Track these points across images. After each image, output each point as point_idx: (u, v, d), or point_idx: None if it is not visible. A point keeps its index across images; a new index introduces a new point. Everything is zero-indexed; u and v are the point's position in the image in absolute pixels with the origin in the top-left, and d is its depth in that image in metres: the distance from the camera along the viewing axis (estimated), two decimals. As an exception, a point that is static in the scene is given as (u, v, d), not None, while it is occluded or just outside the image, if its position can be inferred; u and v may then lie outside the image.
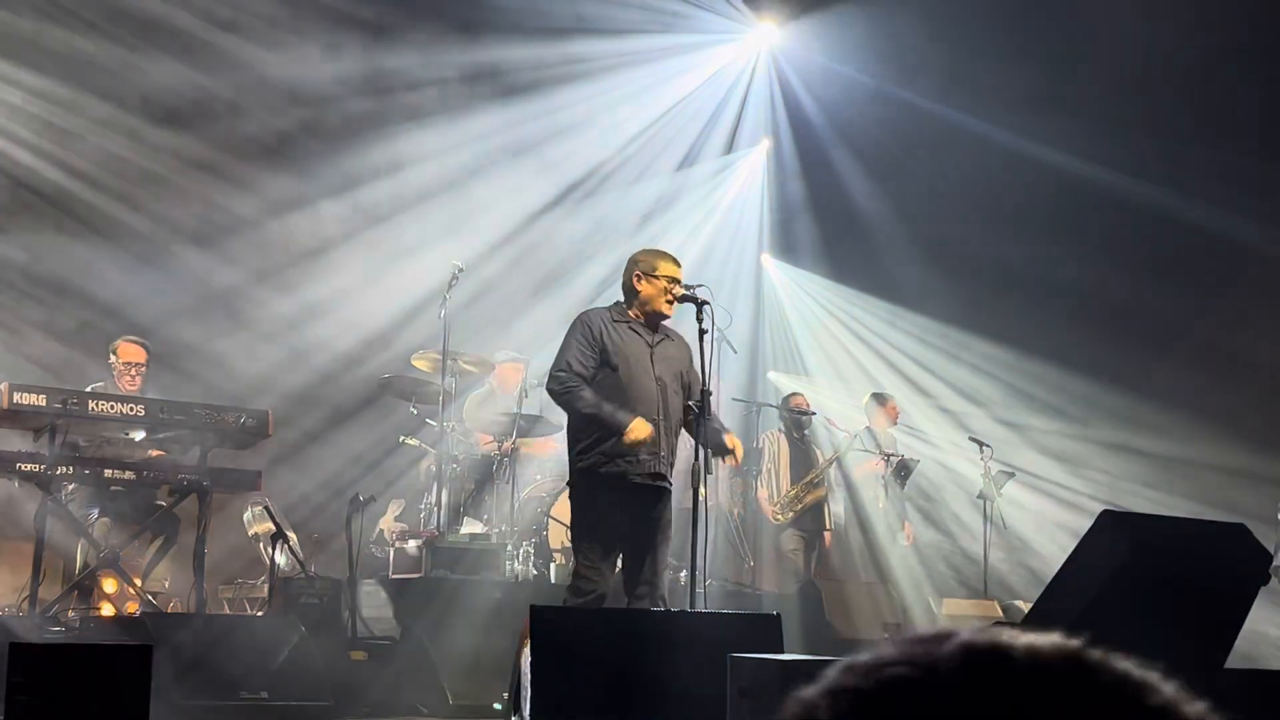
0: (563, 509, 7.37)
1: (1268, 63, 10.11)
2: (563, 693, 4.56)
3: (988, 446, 9.43)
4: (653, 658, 4.70)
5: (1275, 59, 10.06)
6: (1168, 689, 0.72)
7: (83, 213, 9.34)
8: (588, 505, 5.63)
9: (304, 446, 9.57)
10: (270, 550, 7.14)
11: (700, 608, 5.62)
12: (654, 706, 4.58)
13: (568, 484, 5.89)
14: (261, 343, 9.62)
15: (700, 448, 5.52)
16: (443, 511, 7.90)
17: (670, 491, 5.78)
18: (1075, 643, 0.73)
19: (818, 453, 9.50)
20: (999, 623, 7.51)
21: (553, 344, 5.97)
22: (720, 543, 8.81)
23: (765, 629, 4.94)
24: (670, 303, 5.76)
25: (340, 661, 6.49)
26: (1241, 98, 10.52)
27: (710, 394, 5.60)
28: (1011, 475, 9.62)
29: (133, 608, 6.73)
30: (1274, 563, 5.75)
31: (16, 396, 6.21)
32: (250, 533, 8.36)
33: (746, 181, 12.14)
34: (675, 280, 5.74)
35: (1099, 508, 6.42)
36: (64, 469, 6.46)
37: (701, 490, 5.47)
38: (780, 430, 9.52)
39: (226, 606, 8.31)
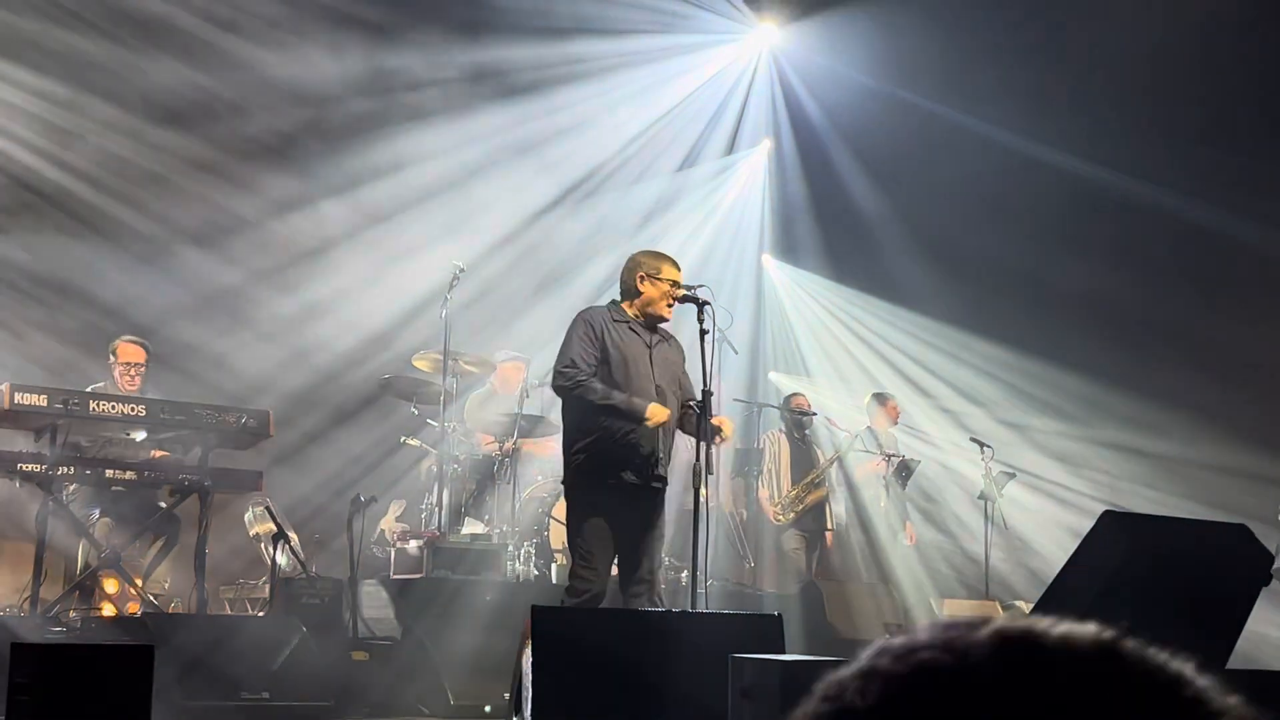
0: (564, 509, 7.37)
1: (1269, 62, 10.11)
2: (564, 693, 4.56)
3: (989, 447, 9.43)
4: (654, 658, 4.69)
5: (1276, 59, 10.06)
6: (1201, 682, 0.71)
7: (84, 213, 9.35)
8: (584, 505, 5.63)
9: (305, 447, 9.57)
10: (271, 550, 7.14)
11: (701, 608, 5.62)
12: (655, 707, 4.58)
13: (563, 484, 5.89)
14: (262, 343, 9.63)
15: (701, 448, 5.52)
16: (444, 512, 7.90)
17: (664, 492, 5.79)
18: (1110, 633, 0.73)
19: (819, 453, 9.50)
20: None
21: (553, 344, 5.97)
22: (721, 543, 8.81)
23: (766, 629, 4.94)
24: (670, 306, 5.78)
25: (341, 662, 6.49)
26: (1242, 98, 10.52)
27: (711, 394, 5.60)
28: (1013, 476, 9.62)
29: (134, 608, 6.73)
30: (1275, 563, 5.74)
31: (18, 397, 6.22)
32: (251, 533, 8.37)
33: (747, 182, 12.15)
34: (676, 284, 5.75)
35: (1100, 508, 6.41)
36: (65, 469, 6.47)
37: (703, 490, 5.46)
38: (781, 430, 9.52)
39: (228, 607, 8.31)
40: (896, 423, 10.06)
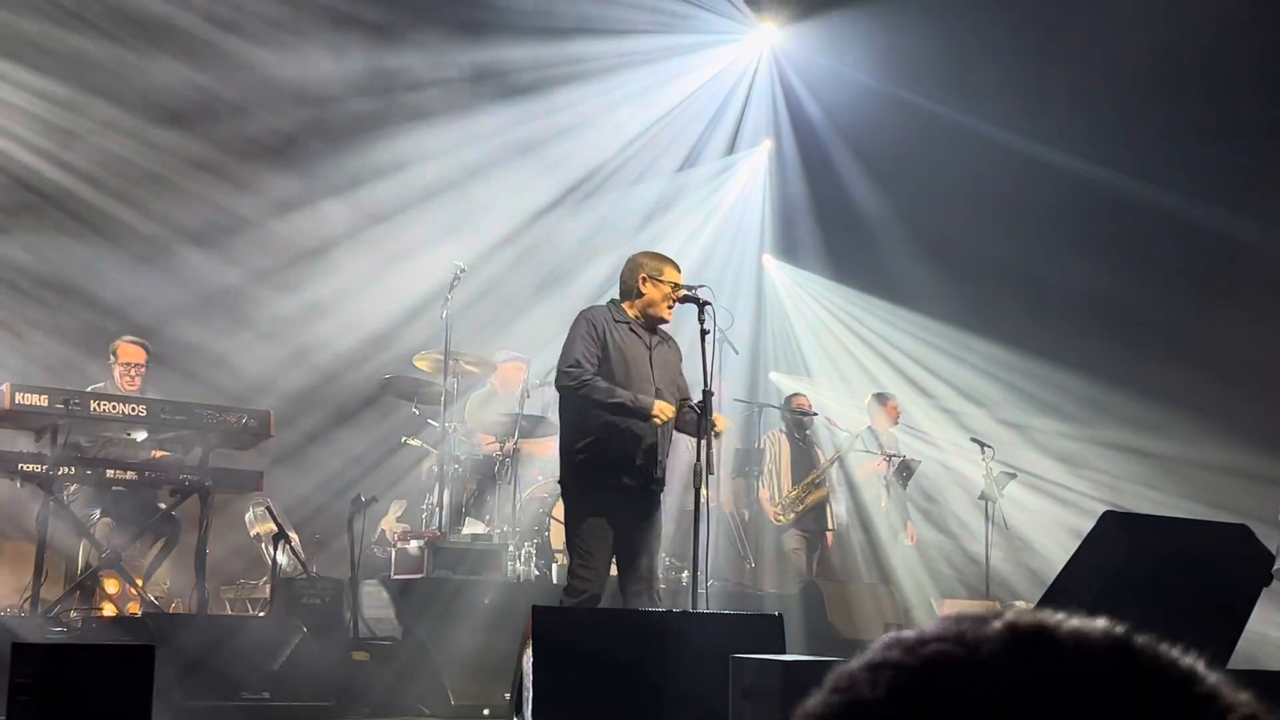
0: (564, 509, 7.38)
1: (1270, 62, 10.11)
2: (564, 694, 4.56)
3: (989, 447, 9.43)
4: (654, 659, 4.69)
5: (1278, 59, 10.06)
6: (1213, 677, 0.71)
7: (85, 213, 9.35)
8: (582, 504, 5.64)
9: (306, 447, 9.57)
10: (272, 551, 7.14)
11: (702, 608, 5.62)
12: (655, 707, 4.59)
13: (559, 482, 5.90)
14: (263, 343, 9.63)
15: (702, 448, 5.53)
16: (444, 512, 7.90)
17: (661, 492, 5.80)
18: (1122, 628, 0.73)
19: (819, 453, 9.50)
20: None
21: (554, 344, 5.97)
22: (722, 543, 8.81)
23: (767, 630, 4.94)
24: (671, 307, 5.81)
25: (342, 662, 6.49)
26: (1242, 98, 10.51)
27: (712, 394, 5.60)
28: (1013, 476, 9.62)
29: (134, 608, 6.73)
30: (1276, 564, 5.74)
31: (19, 397, 6.22)
32: (252, 533, 8.37)
33: (748, 182, 12.15)
34: (677, 286, 5.78)
35: (1101, 508, 6.41)
36: (66, 469, 6.47)
37: (703, 490, 5.47)
38: (782, 431, 9.52)
39: (228, 607, 8.31)
40: (897, 423, 10.06)
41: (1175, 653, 0.72)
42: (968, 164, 10.94)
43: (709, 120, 11.66)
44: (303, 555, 7.72)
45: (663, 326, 5.90)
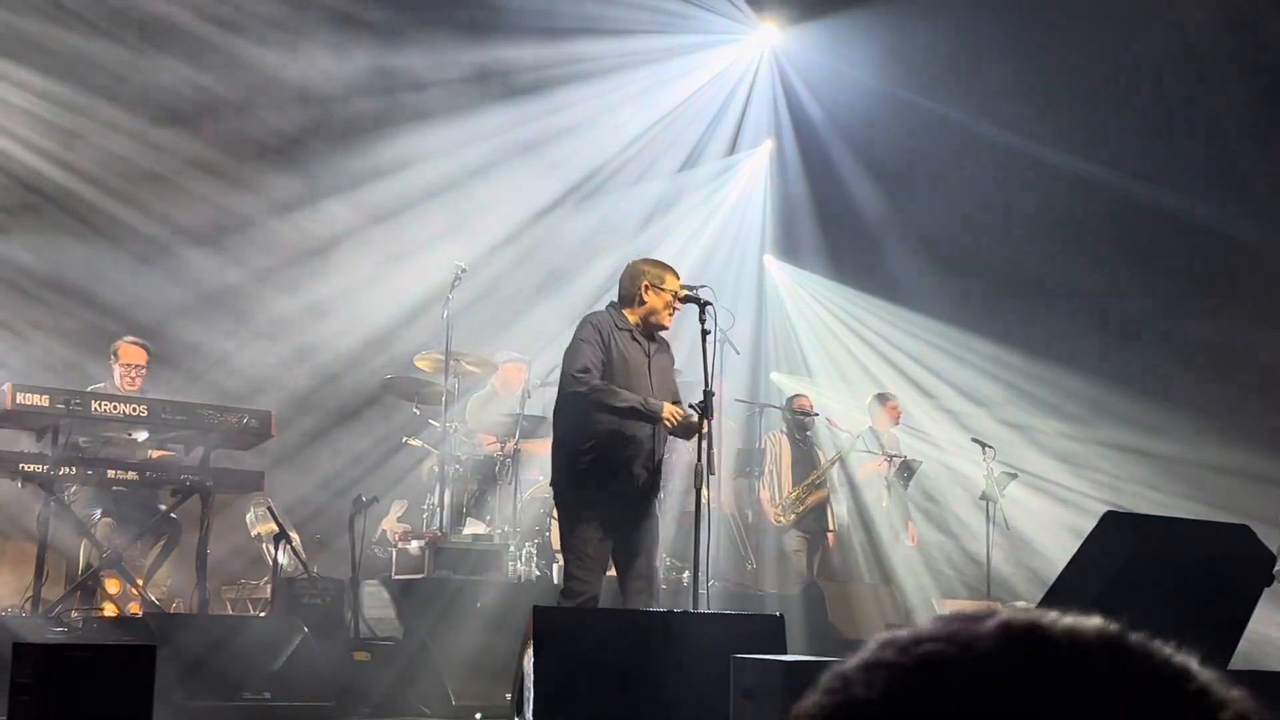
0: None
1: (1271, 62, 10.10)
2: (565, 694, 4.56)
3: (990, 447, 9.43)
4: (655, 659, 4.70)
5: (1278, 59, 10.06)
6: (1206, 675, 0.71)
7: (86, 213, 9.35)
8: (579, 509, 5.65)
9: (306, 447, 9.58)
10: (273, 551, 7.14)
11: (703, 609, 5.62)
12: (656, 708, 4.58)
13: (552, 485, 5.93)
14: (264, 343, 9.63)
15: (702, 448, 5.53)
16: (445, 512, 7.90)
17: (658, 494, 5.83)
18: (1115, 626, 0.73)
19: (820, 454, 9.49)
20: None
21: (554, 345, 5.99)
22: (723, 544, 8.81)
23: (768, 630, 4.94)
24: (671, 315, 5.86)
25: (343, 662, 6.49)
26: (1245, 99, 10.50)
27: (713, 394, 5.62)
28: (1014, 476, 9.62)
29: (135, 608, 6.73)
30: (1277, 564, 5.74)
31: (20, 397, 6.22)
32: (253, 533, 8.37)
33: (749, 182, 12.14)
34: (676, 294, 5.81)
35: (1102, 509, 6.41)
36: (67, 469, 6.47)
37: (704, 491, 5.47)
38: (783, 431, 9.51)
39: (229, 607, 8.31)
40: (898, 423, 10.05)
41: (1168, 650, 0.72)
42: (968, 164, 10.94)
43: (710, 120, 11.66)
44: (304, 555, 7.72)
45: (661, 333, 5.94)
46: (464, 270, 8.14)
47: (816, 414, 9.46)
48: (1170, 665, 0.71)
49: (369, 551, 7.89)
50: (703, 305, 5.72)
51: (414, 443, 8.51)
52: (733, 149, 11.92)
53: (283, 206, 9.94)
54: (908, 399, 10.88)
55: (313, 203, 10.04)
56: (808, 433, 9.48)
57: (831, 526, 9.38)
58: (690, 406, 5.70)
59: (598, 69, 10.57)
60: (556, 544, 8.01)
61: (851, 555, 9.46)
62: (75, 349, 8.86)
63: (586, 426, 5.65)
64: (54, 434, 6.38)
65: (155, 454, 7.08)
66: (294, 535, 7.68)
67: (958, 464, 10.50)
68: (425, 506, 8.31)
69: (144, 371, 7.52)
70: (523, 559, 7.84)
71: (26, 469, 6.35)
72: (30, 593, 6.46)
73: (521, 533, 7.98)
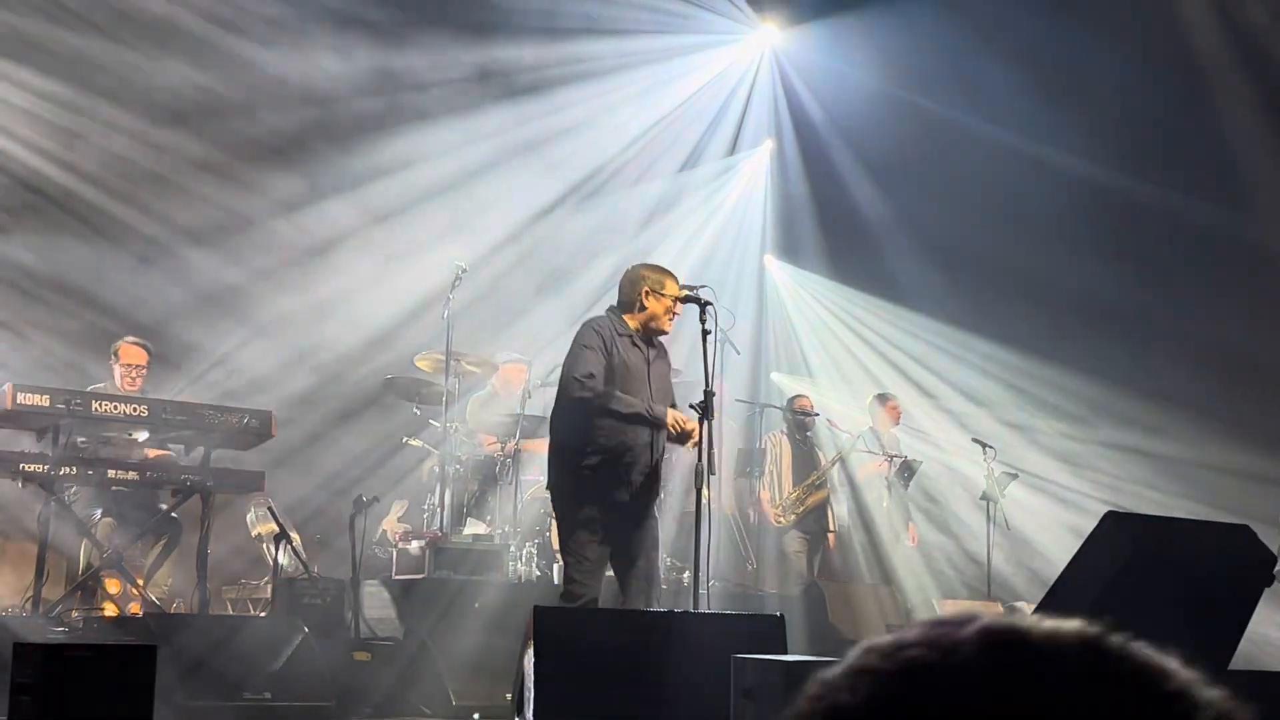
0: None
1: (1272, 62, 10.10)
2: (565, 694, 4.56)
3: (991, 447, 9.43)
4: (656, 659, 4.70)
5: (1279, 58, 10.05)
6: (1185, 674, 0.72)
7: (87, 214, 9.35)
8: (578, 511, 5.66)
9: (307, 447, 9.57)
10: (273, 551, 7.15)
11: (704, 609, 5.63)
12: (657, 708, 4.59)
13: (548, 488, 5.94)
14: (265, 343, 9.63)
15: (703, 449, 5.54)
16: (446, 512, 7.90)
17: (656, 496, 5.84)
18: (1094, 629, 0.73)
19: (820, 454, 9.49)
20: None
21: (555, 345, 6.00)
22: (724, 544, 8.81)
23: (769, 630, 4.95)
24: (671, 320, 5.87)
25: (343, 662, 6.49)
26: (1245, 99, 10.50)
27: (714, 394, 5.63)
28: (1015, 476, 9.62)
29: (136, 608, 6.73)
30: (1278, 565, 5.74)
31: (20, 397, 6.22)
32: (253, 533, 8.37)
33: (749, 182, 12.15)
34: (676, 299, 5.82)
35: (1102, 509, 6.41)
36: (67, 469, 6.47)
37: (705, 491, 5.48)
38: (783, 432, 9.51)
39: (230, 607, 8.32)
40: (898, 423, 10.06)
41: (1149, 652, 0.73)
42: (969, 164, 10.93)
43: (710, 120, 11.67)
44: (304, 555, 7.73)
45: (659, 337, 5.95)
46: (464, 270, 8.14)
47: (817, 414, 9.46)
48: (1149, 667, 0.72)
49: (369, 551, 7.89)
50: (703, 305, 5.73)
51: (414, 443, 8.52)
52: (733, 149, 11.92)
53: (284, 206, 9.94)
54: (908, 399, 10.88)
55: (314, 203, 10.04)
56: (808, 433, 9.48)
57: (832, 527, 9.38)
58: (690, 406, 5.70)
59: (598, 69, 10.57)
60: (557, 544, 8.03)
61: (852, 555, 9.46)
62: (76, 349, 8.86)
63: (588, 432, 5.66)
64: (54, 434, 6.39)
65: (150, 453, 7.07)
66: (294, 535, 7.68)
67: (958, 464, 10.50)
68: (426, 507, 8.32)
69: (144, 371, 7.52)
70: (523, 559, 7.84)
71: (27, 469, 6.35)
72: (30, 593, 6.46)
73: (522, 533, 7.98)
